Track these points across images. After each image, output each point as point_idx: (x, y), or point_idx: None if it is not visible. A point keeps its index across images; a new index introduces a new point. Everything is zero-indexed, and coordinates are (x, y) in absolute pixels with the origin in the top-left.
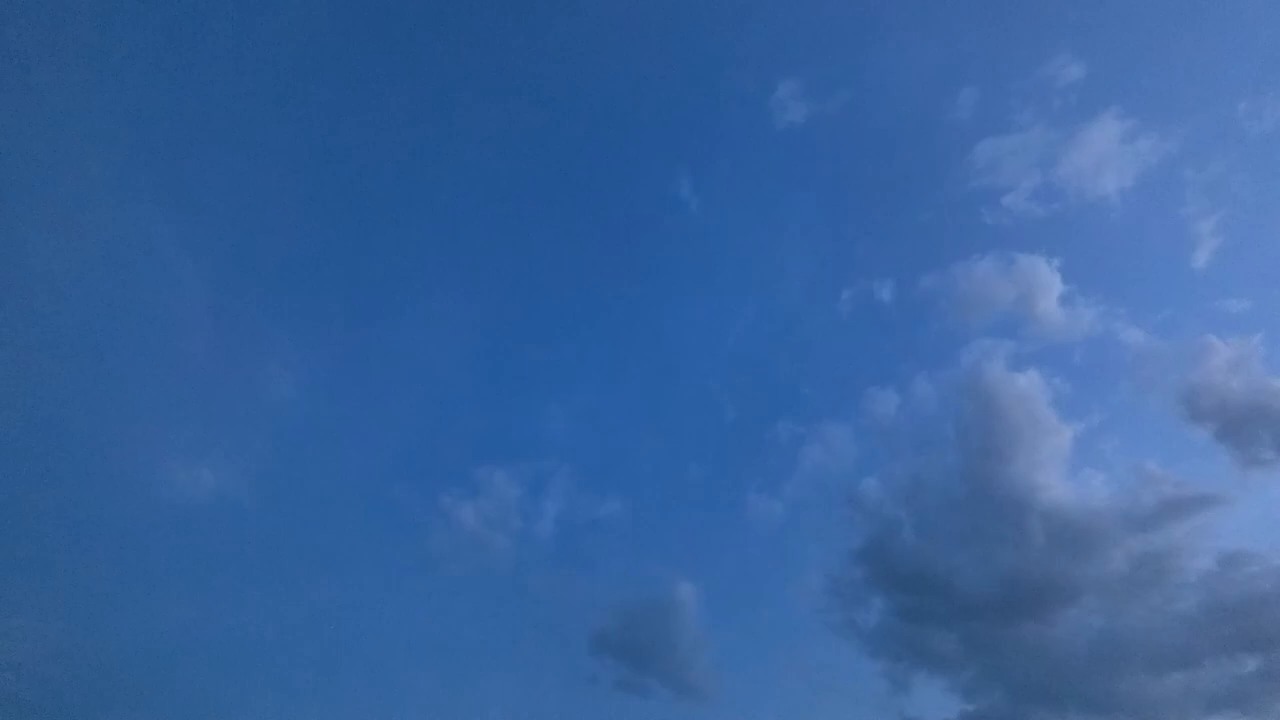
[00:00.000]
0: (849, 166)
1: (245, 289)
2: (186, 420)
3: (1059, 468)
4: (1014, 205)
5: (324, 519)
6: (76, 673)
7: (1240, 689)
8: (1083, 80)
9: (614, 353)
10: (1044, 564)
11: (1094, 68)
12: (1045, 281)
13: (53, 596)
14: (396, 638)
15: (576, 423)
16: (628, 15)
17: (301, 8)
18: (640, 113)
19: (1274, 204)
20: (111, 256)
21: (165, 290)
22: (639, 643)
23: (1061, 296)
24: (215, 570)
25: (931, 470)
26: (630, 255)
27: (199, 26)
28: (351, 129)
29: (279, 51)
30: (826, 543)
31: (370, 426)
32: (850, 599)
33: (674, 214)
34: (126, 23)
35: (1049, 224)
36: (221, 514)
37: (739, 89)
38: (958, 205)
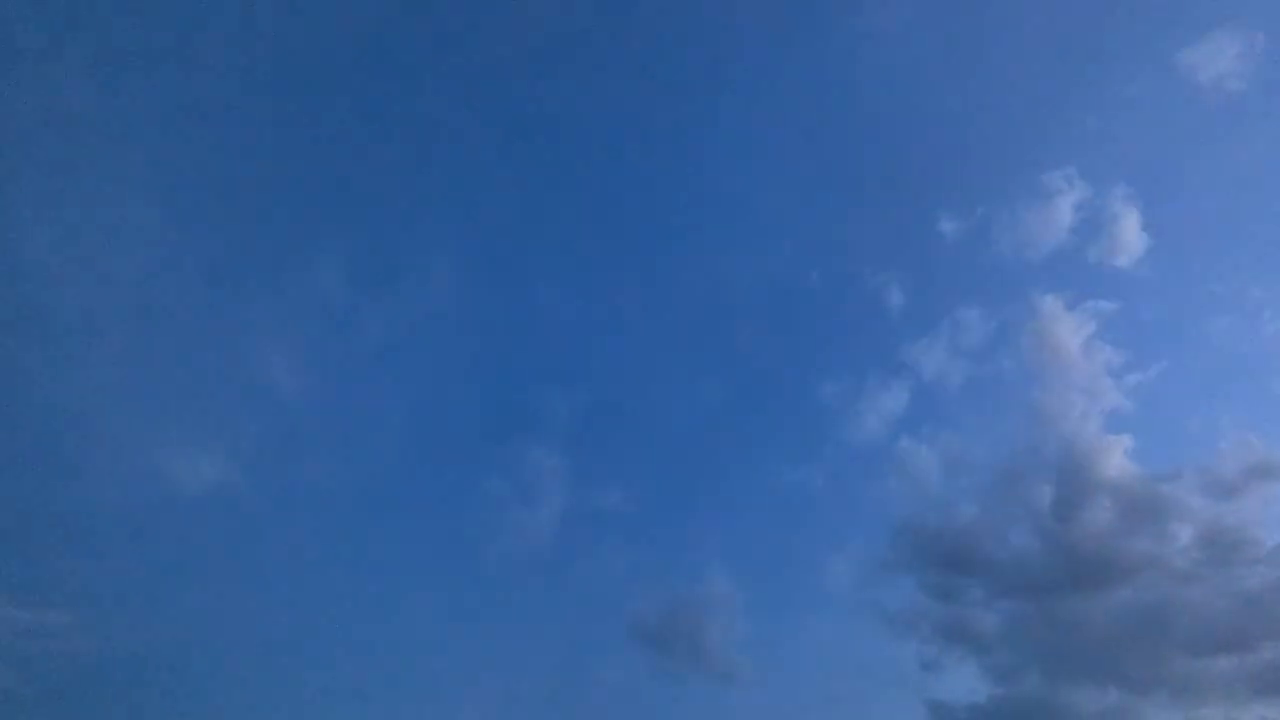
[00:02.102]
0: (922, 81)
1: (240, 269)
2: (184, 409)
3: (1126, 427)
4: (1099, 126)
5: (331, 507)
6: (77, 667)
7: None
8: None
9: (636, 312)
10: (1101, 537)
11: None
12: (1124, 211)
13: (54, 589)
14: (426, 628)
15: (592, 401)
16: None
17: None
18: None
19: None
20: (101, 242)
21: (156, 274)
22: (671, 629)
23: (1142, 228)
24: (220, 563)
25: (982, 431)
26: (662, 185)
27: None
28: (347, 108)
29: (272, 12)
30: (863, 517)
31: (375, 410)
32: (885, 578)
33: (710, 133)
34: None
35: (1133, 149)
36: (222, 505)
37: None
38: (1038, 126)
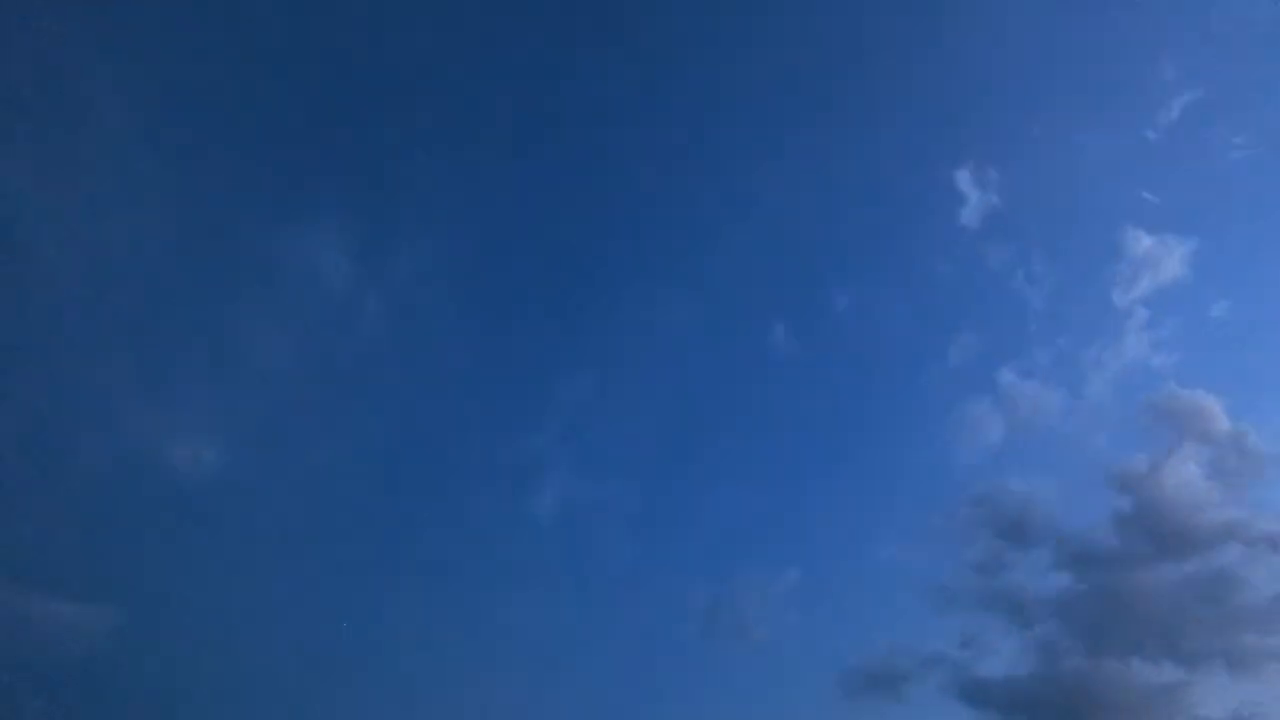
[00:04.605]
0: None
1: (236, 247)
2: (181, 392)
3: (1221, 372)
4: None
5: (331, 493)
6: (77, 661)
7: None
8: None
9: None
10: (1182, 503)
11: None
12: (1227, 121)
13: (52, 579)
14: (430, 616)
15: (612, 375)
16: None
17: None
18: None
19: None
20: (94, 225)
21: (150, 254)
22: (715, 611)
23: (1243, 145)
24: (219, 550)
25: (1057, 380)
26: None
27: None
28: (345, 79)
29: None
30: (918, 483)
31: (375, 392)
32: (935, 550)
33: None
34: None
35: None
36: (221, 491)
37: None
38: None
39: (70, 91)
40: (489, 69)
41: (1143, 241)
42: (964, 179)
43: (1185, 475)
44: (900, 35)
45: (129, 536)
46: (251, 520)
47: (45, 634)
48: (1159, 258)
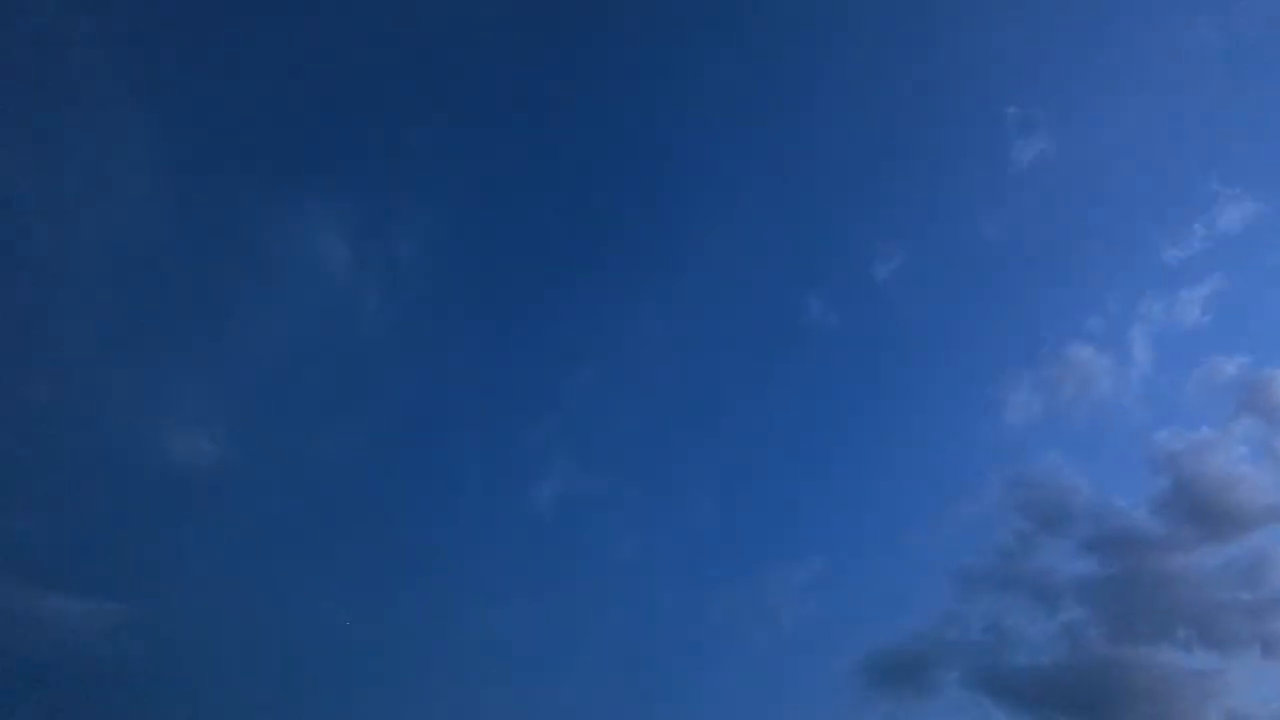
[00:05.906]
0: None
1: (233, 234)
2: (179, 382)
3: None
4: None
5: (328, 486)
6: (78, 657)
7: None
8: None
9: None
10: (1227, 483)
11: None
12: None
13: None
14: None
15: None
16: None
17: None
18: None
19: None
20: (93, 220)
21: (147, 242)
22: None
23: None
24: (216, 543)
25: (1101, 344)
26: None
27: None
28: (345, 63)
29: None
30: (951, 467)
31: (375, 384)
32: (963, 533)
33: None
34: None
35: None
36: (219, 481)
37: None
38: None
39: (63, 76)
40: (491, 51)
41: (1207, 192)
42: (1011, 127)
43: (1231, 454)
44: None
45: (128, 530)
46: (250, 513)
47: (44, 630)
48: (1220, 212)
